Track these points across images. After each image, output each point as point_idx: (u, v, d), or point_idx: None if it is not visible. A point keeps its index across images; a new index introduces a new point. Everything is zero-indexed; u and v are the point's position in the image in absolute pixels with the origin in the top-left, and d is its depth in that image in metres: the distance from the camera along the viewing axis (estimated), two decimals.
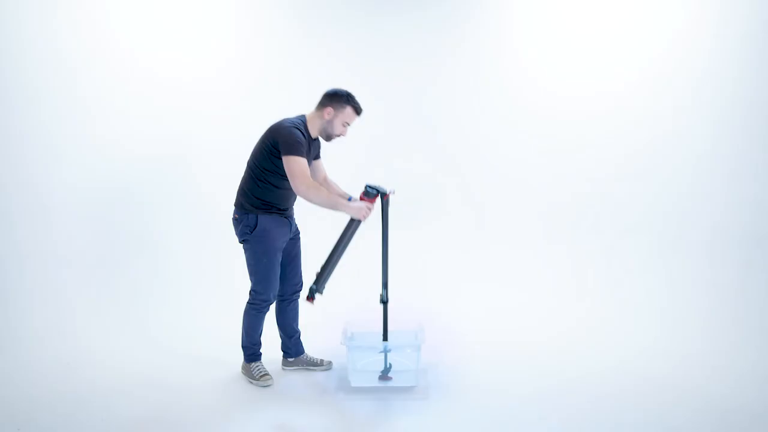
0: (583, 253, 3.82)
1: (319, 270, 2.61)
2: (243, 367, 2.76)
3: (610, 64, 3.71)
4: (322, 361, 2.87)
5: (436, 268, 3.95)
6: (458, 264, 3.96)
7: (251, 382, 2.68)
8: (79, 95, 3.48)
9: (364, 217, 2.54)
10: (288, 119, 2.54)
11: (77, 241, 3.51)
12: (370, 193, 2.58)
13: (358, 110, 2.60)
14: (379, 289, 2.67)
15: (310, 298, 2.59)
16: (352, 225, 2.59)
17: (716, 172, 3.43)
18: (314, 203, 2.47)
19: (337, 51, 3.94)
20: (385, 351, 2.63)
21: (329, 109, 2.55)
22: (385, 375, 2.63)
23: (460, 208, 4.09)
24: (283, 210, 2.62)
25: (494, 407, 2.43)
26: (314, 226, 3.07)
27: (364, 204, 2.54)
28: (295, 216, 2.77)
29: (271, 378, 2.68)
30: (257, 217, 2.54)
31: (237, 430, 2.29)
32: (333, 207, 2.50)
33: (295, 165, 2.42)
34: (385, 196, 2.60)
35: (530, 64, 3.92)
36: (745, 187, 3.33)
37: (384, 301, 2.65)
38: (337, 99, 2.56)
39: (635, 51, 3.63)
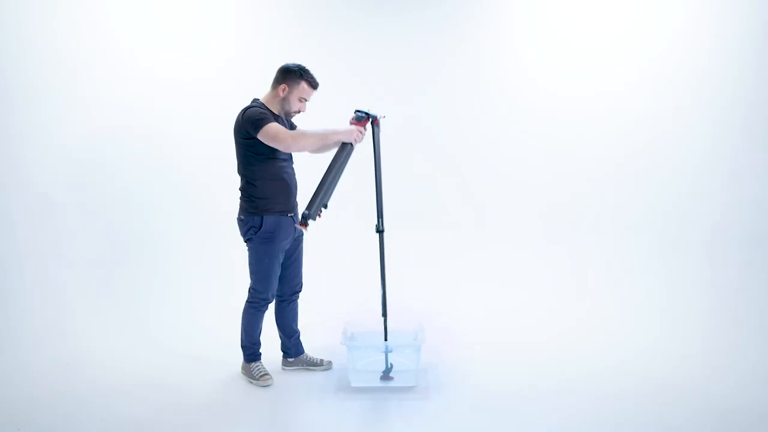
0: (583, 253, 3.82)
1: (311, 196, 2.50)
2: (243, 367, 2.76)
3: (610, 64, 3.71)
4: (322, 361, 2.87)
5: (436, 268, 3.95)
6: (458, 264, 3.96)
7: (251, 382, 2.68)
8: (79, 95, 3.48)
9: (356, 140, 2.50)
10: (242, 109, 2.53)
11: (77, 241, 3.51)
12: (360, 118, 2.54)
13: (313, 84, 2.57)
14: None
15: (303, 224, 2.43)
16: (345, 150, 2.52)
17: (716, 172, 3.43)
18: (308, 149, 2.48)
19: (337, 51, 3.94)
20: (386, 351, 2.63)
21: (283, 86, 2.53)
22: (386, 375, 2.63)
23: (460, 208, 4.09)
24: (287, 209, 2.61)
25: (494, 407, 2.43)
26: (317, 227, 3.08)
27: (354, 127, 2.51)
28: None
29: (271, 378, 2.68)
30: (262, 218, 2.54)
31: (237, 430, 2.29)
32: (325, 140, 2.48)
33: (270, 131, 2.39)
34: (375, 121, 2.56)
35: (530, 64, 3.92)
36: (745, 187, 3.34)
37: (380, 231, 2.63)
38: (290, 75, 2.53)
39: (635, 51, 3.63)
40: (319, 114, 3.05)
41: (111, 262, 3.60)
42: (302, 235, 2.78)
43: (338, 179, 2.53)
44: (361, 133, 2.51)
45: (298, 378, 2.77)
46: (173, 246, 3.79)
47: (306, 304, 2.93)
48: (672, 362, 2.87)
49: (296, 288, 2.82)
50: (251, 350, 2.73)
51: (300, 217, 2.45)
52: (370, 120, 2.56)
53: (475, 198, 4.07)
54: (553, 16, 3.84)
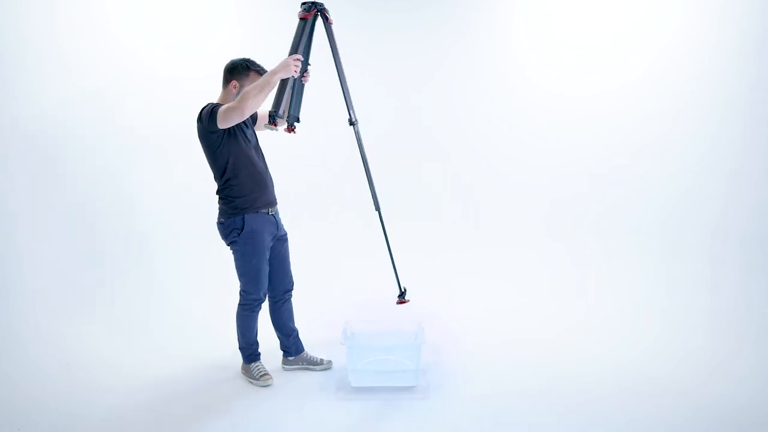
0: (584, 252, 3.82)
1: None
2: (243, 368, 2.76)
3: (610, 64, 3.71)
4: (321, 360, 2.87)
5: (436, 268, 3.94)
6: (459, 264, 3.96)
7: (251, 383, 2.68)
8: (79, 96, 3.48)
9: (295, 72, 2.39)
10: (197, 115, 2.50)
11: (78, 241, 3.51)
12: (309, 8, 2.45)
13: (261, 72, 2.55)
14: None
15: (273, 122, 2.40)
16: (304, 26, 2.44)
17: (716, 172, 3.43)
18: (260, 103, 2.34)
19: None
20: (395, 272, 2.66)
21: (234, 82, 2.53)
22: (402, 299, 2.70)
23: (460, 208, 4.09)
24: (267, 204, 2.59)
25: (494, 407, 2.43)
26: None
27: (288, 58, 2.38)
28: (281, 218, 2.74)
29: (271, 378, 2.68)
30: (243, 218, 2.52)
31: (237, 430, 2.29)
32: (267, 86, 2.33)
33: (221, 113, 2.33)
34: (323, 10, 2.49)
35: (529, 63, 3.92)
36: (746, 187, 3.33)
37: (352, 123, 2.59)
38: (237, 70, 2.53)
39: (635, 51, 3.63)
40: (316, 113, 3.06)
41: (111, 262, 3.60)
42: (286, 234, 2.77)
43: (302, 87, 2.49)
44: (295, 61, 2.39)
45: (298, 378, 2.76)
46: (173, 246, 3.79)
47: (305, 303, 2.93)
48: (672, 362, 2.86)
49: (288, 287, 2.80)
50: (249, 351, 2.73)
51: (268, 119, 2.42)
52: (317, 9, 2.49)
53: (475, 197, 4.07)
54: (552, 15, 3.84)
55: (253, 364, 2.72)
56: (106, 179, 3.60)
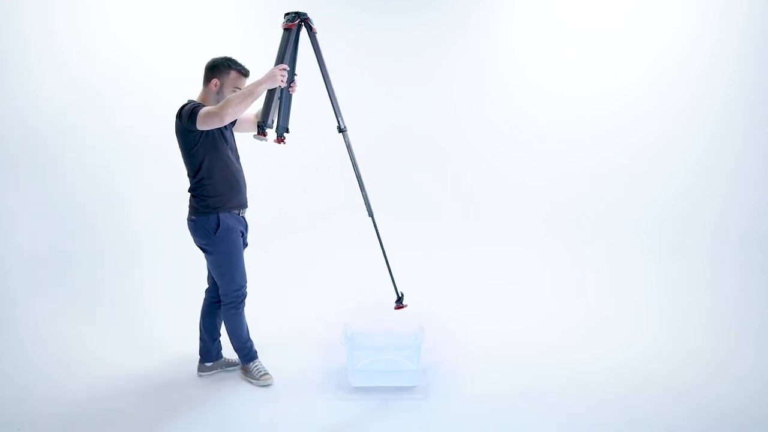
0: (584, 253, 3.82)
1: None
2: (242, 369, 2.75)
3: (610, 64, 3.71)
4: (238, 360, 2.79)
5: (436, 268, 3.94)
6: (459, 264, 3.96)
7: (251, 383, 2.68)
8: (79, 96, 3.48)
9: (282, 81, 2.38)
10: (177, 111, 2.48)
11: (78, 241, 3.51)
12: (292, 19, 2.47)
13: (243, 72, 2.54)
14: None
15: (263, 133, 2.41)
16: (288, 37, 2.46)
17: (716, 172, 3.43)
18: (242, 110, 2.31)
19: (336, 50, 3.92)
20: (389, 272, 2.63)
21: (215, 81, 2.51)
22: (399, 304, 2.68)
23: (460, 208, 4.09)
24: (239, 205, 2.57)
25: (494, 407, 2.43)
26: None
27: (274, 68, 2.38)
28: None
29: (271, 377, 2.68)
30: (218, 216, 2.50)
31: (237, 430, 2.29)
32: (252, 95, 2.31)
33: (202, 114, 2.31)
34: (306, 20, 2.51)
35: (529, 63, 3.92)
36: (746, 187, 3.33)
37: (342, 130, 2.62)
38: (219, 68, 2.51)
39: (636, 51, 3.63)
40: (316, 112, 3.05)
41: (110, 262, 3.59)
42: (246, 244, 2.73)
43: (289, 97, 2.52)
44: (282, 71, 2.39)
45: (298, 378, 2.76)
46: (174, 246, 3.77)
47: (305, 304, 2.93)
48: (672, 362, 2.87)
49: None
50: (246, 350, 2.71)
51: (257, 130, 2.43)
52: (301, 19, 2.50)
53: (475, 197, 4.07)
54: (552, 15, 3.84)
55: (252, 363, 2.71)
56: (106, 179, 3.60)
